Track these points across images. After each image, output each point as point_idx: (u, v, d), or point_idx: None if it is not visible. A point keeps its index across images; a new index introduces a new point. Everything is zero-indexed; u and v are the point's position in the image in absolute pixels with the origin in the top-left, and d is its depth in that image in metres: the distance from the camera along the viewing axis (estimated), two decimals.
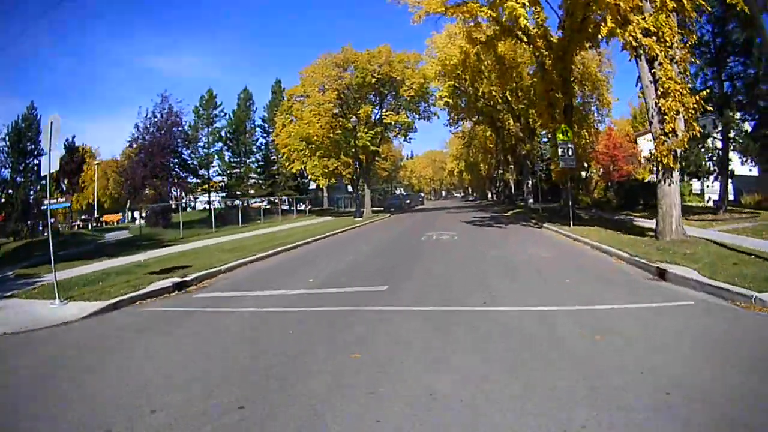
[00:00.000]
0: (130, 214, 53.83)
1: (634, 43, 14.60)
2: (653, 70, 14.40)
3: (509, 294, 8.86)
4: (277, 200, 53.40)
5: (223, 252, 17.58)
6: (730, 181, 25.94)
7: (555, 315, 7.21)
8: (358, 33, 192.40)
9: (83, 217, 61.15)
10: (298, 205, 54.89)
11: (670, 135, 14.05)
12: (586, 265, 11.84)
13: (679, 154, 14.50)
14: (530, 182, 44.49)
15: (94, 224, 57.82)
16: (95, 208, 61.80)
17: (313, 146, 41.40)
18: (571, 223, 20.96)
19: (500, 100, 42.61)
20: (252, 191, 58.71)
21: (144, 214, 40.47)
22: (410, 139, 48.93)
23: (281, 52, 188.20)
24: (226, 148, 59.68)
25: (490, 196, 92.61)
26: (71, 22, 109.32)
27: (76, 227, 52.32)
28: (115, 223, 55.16)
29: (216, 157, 58.15)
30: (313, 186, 72.24)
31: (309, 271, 12.99)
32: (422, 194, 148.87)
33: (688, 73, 15.00)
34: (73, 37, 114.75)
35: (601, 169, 51.01)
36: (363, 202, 46.40)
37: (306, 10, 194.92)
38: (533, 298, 8.30)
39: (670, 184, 14.22)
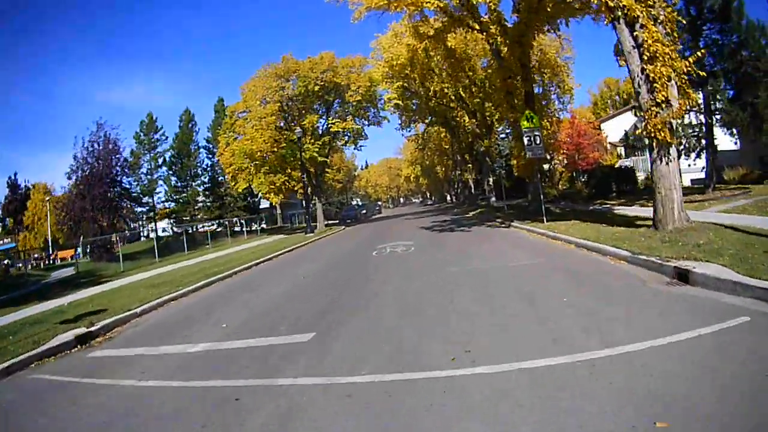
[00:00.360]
0: (82, 249, 50.15)
1: (611, 3, 12.16)
2: (635, 33, 11.98)
3: (488, 334, 6.03)
4: (227, 222, 50.18)
5: (150, 288, 15.13)
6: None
7: (568, 376, 4.42)
8: (301, 45, 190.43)
9: (35, 255, 59.54)
10: (251, 225, 51.62)
11: (663, 105, 11.57)
12: (581, 273, 9.13)
13: (675, 127, 12.02)
14: (491, 180, 42.24)
15: (47, 262, 56.59)
16: (50, 245, 58.65)
17: (258, 162, 38.32)
18: (545, 218, 18.53)
19: (453, 98, 40.35)
20: (201, 215, 55.09)
21: (87, 249, 37.65)
22: (361, 146, 46.35)
23: (224, 71, 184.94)
24: (171, 172, 55.90)
25: (449, 198, 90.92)
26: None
27: (29, 266, 50.35)
28: (69, 259, 52.79)
29: (160, 182, 54.69)
30: (266, 204, 69.61)
31: (229, 310, 10.32)
32: (380, 203, 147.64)
33: (675, 35, 12.53)
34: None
35: (565, 159, 49.17)
36: (315, 216, 43.50)
37: (247, 25, 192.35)
38: (525, 340, 5.55)
39: (667, 163, 11.72)
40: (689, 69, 11.91)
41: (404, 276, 11.38)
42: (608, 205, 23.74)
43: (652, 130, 11.57)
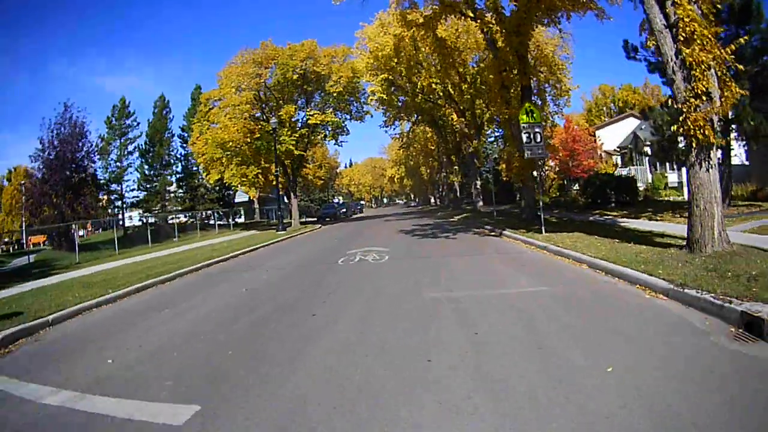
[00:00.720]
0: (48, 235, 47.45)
1: None
2: (666, 10, 9.67)
3: None
4: (201, 214, 47.46)
5: (86, 287, 12.87)
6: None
7: None
8: (285, 34, 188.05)
9: (5, 240, 58.99)
10: (226, 219, 48.90)
11: (703, 98, 9.22)
12: (612, 315, 6.53)
13: (716, 126, 9.66)
14: (479, 183, 39.82)
15: (16, 247, 56.04)
16: (23, 230, 55.17)
17: (230, 153, 35.66)
18: (543, 228, 16.16)
19: (441, 94, 38.02)
20: (172, 206, 51.92)
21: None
22: (341, 142, 43.69)
23: (205, 58, 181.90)
24: (143, 160, 52.63)
25: (433, 200, 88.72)
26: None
27: None
28: (42, 245, 50.75)
29: (131, 170, 51.08)
30: (244, 198, 66.79)
31: (127, 338, 7.62)
32: (363, 202, 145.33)
33: (712, 18, 10.18)
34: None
35: (557, 166, 47.06)
36: (291, 212, 40.91)
37: (229, 12, 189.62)
38: None
39: (708, 169, 9.29)
40: (729, 58, 9.64)
41: (365, 304, 8.50)
42: (610, 217, 21.41)
43: (692, 126, 9.19)
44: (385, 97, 37.71)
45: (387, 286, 10.12)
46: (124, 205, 48.42)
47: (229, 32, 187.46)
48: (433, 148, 64.94)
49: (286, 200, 41.35)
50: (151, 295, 11.97)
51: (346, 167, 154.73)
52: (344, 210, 65.48)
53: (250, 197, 64.08)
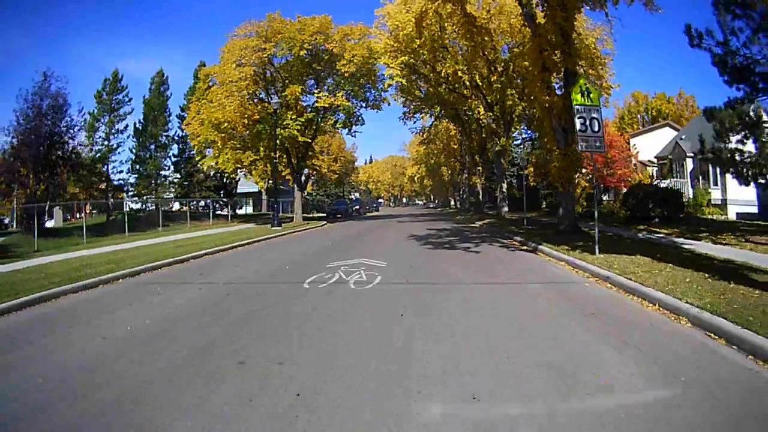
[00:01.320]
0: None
1: None
2: None
3: None
4: (196, 203, 43.58)
5: None
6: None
7: None
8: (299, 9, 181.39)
9: None
10: (227, 209, 44.91)
11: None
12: None
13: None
14: (504, 186, 35.36)
15: None
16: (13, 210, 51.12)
17: (225, 135, 31.65)
18: (596, 247, 11.89)
19: (468, 83, 33.53)
20: (163, 192, 47.53)
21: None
22: (355, 132, 39.19)
23: (212, 36, 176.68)
24: (135, 141, 48.33)
25: (453, 203, 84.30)
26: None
27: None
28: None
29: (119, 150, 46.15)
30: (254, 188, 62.76)
31: None
32: (381, 200, 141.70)
33: None
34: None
35: (589, 173, 42.48)
36: (295, 206, 36.91)
37: None
38: None
39: None
40: None
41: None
42: (661, 235, 17.14)
43: None
44: (404, 83, 33.31)
45: (342, 363, 5.17)
46: (109, 189, 43.79)
47: (239, 9, 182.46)
48: (455, 146, 60.49)
49: (298, 192, 37.18)
50: (39, 314, 8.49)
51: (366, 163, 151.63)
52: (357, 207, 61.17)
53: (259, 188, 60.14)
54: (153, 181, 45.96)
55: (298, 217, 35.62)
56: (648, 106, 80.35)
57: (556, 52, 19.00)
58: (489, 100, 34.08)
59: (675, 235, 16.62)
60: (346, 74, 32.38)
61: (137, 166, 46.26)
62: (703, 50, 17.78)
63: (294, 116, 31.90)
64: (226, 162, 32.13)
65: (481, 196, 46.85)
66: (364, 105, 37.84)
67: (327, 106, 32.22)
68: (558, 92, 19.96)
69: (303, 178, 74.45)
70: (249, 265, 13.58)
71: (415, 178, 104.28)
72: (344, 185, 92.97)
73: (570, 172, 18.99)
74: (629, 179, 39.48)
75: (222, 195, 46.67)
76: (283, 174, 38.76)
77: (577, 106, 12.91)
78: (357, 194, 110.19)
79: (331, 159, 73.04)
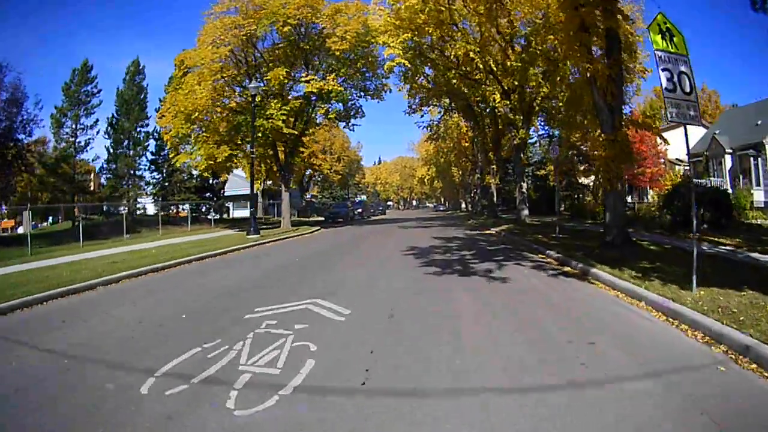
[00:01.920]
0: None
1: None
2: None
3: None
4: (175, 206, 38.90)
5: None
6: None
7: None
8: None
9: None
10: (214, 213, 40.26)
11: None
12: None
13: None
14: (524, 186, 30.37)
15: None
16: None
17: (196, 126, 27.06)
18: (694, 278, 7.19)
19: (481, 67, 28.61)
20: (141, 194, 42.61)
21: None
22: (353, 125, 34.07)
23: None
24: (106, 136, 42.76)
25: (464, 206, 79.33)
26: None
27: None
28: (9, 231, 40.96)
29: (87, 147, 41.17)
30: (241, 190, 58.33)
31: None
32: (390, 202, 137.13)
33: None
34: None
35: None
36: (289, 209, 32.19)
37: None
38: None
39: None
40: None
41: None
42: (729, 247, 12.76)
43: None
44: (407, 64, 28.34)
45: None
46: (74, 190, 38.69)
47: None
48: (466, 144, 55.55)
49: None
50: None
51: (375, 164, 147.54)
52: (360, 210, 56.10)
53: (255, 189, 55.46)
54: (125, 182, 40.74)
55: (285, 221, 30.87)
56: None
57: (596, 11, 14.46)
58: (506, 87, 29.23)
59: (744, 248, 12.28)
60: (338, 54, 27.48)
61: (110, 164, 41.33)
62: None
63: (278, 104, 27.15)
64: (195, 158, 27.46)
65: (495, 198, 41.78)
66: (363, 94, 33.17)
67: (316, 91, 27.24)
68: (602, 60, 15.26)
69: (305, 179, 71.94)
70: (139, 306, 8.69)
71: (425, 180, 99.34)
72: (349, 187, 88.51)
73: (619, 163, 14.42)
74: (659, 179, 35.42)
75: (209, 197, 41.77)
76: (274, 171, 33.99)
77: (659, 53, 8.16)
78: (364, 196, 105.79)
79: (334, 158, 68.46)
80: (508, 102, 28.92)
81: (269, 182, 55.55)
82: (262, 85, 25.57)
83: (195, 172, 39.12)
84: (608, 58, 14.59)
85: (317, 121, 34.31)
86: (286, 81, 27.23)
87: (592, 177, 36.96)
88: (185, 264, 14.52)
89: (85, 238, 26.74)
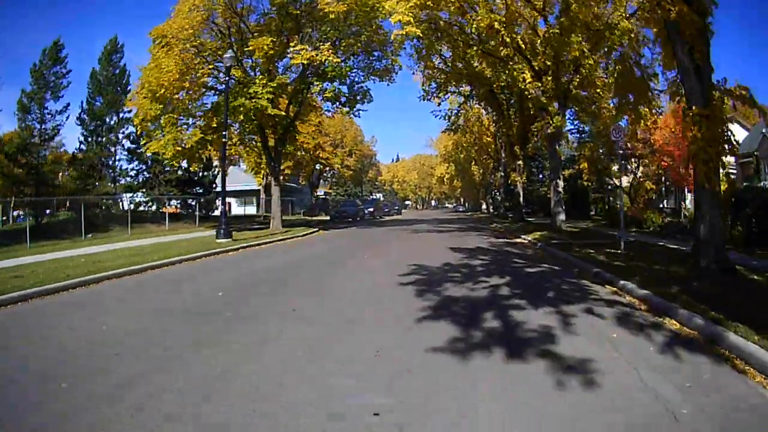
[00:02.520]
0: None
1: None
2: None
3: None
4: (151, 201, 34.32)
5: None
6: None
7: None
8: None
9: None
10: (202, 209, 35.70)
11: None
12: None
13: None
14: (560, 184, 25.10)
15: None
16: None
17: (162, 105, 22.52)
18: None
19: (508, 41, 23.59)
20: (103, 186, 36.76)
21: None
22: (358, 111, 29.00)
23: None
24: (78, 122, 37.75)
25: (484, 206, 74.19)
26: None
27: None
28: None
29: (56, 135, 35.92)
30: (243, 185, 54.00)
31: None
32: (408, 202, 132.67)
33: None
34: None
35: (657, 169, 32.36)
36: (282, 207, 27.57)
37: None
38: None
39: None
40: None
41: None
42: None
43: None
44: (419, 34, 23.41)
45: None
46: (37, 182, 33.56)
47: None
48: (489, 140, 50.67)
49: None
50: None
51: (393, 162, 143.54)
52: (372, 209, 51.19)
53: (257, 183, 51.02)
54: (95, 173, 35.66)
55: (275, 221, 26.19)
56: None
57: None
58: (537, 67, 24.34)
59: None
60: (333, 17, 22.59)
61: (83, 150, 36.36)
62: None
63: (264, 81, 22.50)
64: (164, 145, 22.86)
65: (521, 198, 36.52)
66: (371, 76, 28.42)
67: (306, 62, 22.34)
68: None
69: (315, 175, 67.03)
70: None
71: (444, 179, 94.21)
72: (363, 184, 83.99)
73: (715, 150, 9.80)
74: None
75: (199, 191, 37.01)
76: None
77: None
78: (379, 195, 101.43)
79: (345, 152, 63.87)
80: (540, 84, 24.02)
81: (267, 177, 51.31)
82: (232, 55, 20.66)
83: (184, 164, 34.82)
84: (688, 4, 9.95)
85: (314, 103, 29.51)
86: (272, 52, 22.40)
87: (624, 179, 32.29)
88: (85, 287, 9.93)
89: (41, 238, 23.10)
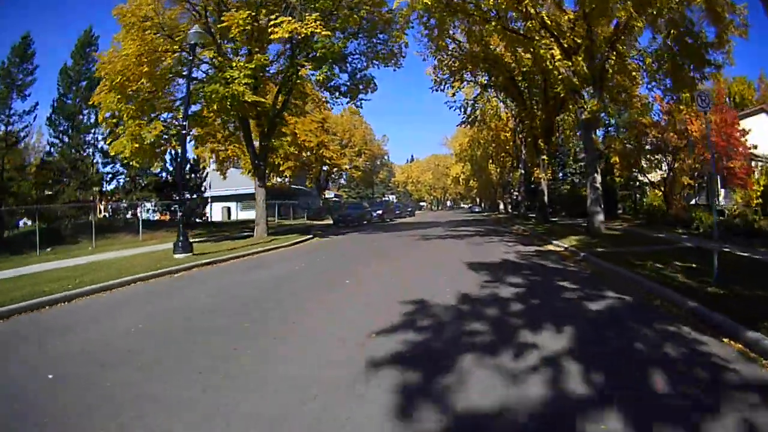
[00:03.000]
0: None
1: None
2: None
3: None
4: (132, 207, 30.67)
5: None
6: None
7: None
8: None
9: None
10: (185, 216, 32.15)
11: None
12: None
13: None
14: (598, 178, 20.85)
15: None
16: None
17: (120, 96, 18.86)
18: None
19: (533, 11, 19.72)
20: (86, 192, 33.04)
21: None
22: (360, 101, 25.19)
23: None
24: (47, 123, 33.72)
25: (502, 207, 70.15)
26: None
27: None
28: None
29: (23, 138, 32.69)
30: (243, 189, 50.17)
31: None
32: (423, 203, 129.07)
33: None
34: None
35: (695, 163, 28.03)
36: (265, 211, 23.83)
37: None
38: None
39: None
40: None
41: None
42: None
43: None
44: (428, 1, 19.73)
45: None
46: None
47: None
48: (508, 135, 46.77)
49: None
50: None
51: (407, 162, 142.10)
52: (380, 212, 47.23)
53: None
54: (64, 178, 31.58)
55: (260, 228, 22.47)
56: (729, 91, 65.78)
57: None
58: (565, 45, 20.50)
59: None
60: None
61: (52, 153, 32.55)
62: None
63: (242, 64, 18.79)
64: (122, 142, 19.22)
65: (546, 197, 32.41)
66: (371, 59, 24.63)
67: (288, 35, 18.34)
68: None
69: (323, 177, 63.22)
70: None
71: (460, 179, 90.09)
72: (375, 185, 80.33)
73: None
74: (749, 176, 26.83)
75: (183, 197, 33.24)
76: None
77: None
78: (392, 196, 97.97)
79: (354, 152, 60.24)
80: (570, 63, 20.11)
81: (279, 178, 47.78)
82: (198, 31, 16.77)
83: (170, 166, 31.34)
84: None
85: (307, 92, 25.67)
86: (249, 28, 18.68)
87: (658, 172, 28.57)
88: None
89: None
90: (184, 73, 19.17)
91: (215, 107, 19.13)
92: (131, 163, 22.50)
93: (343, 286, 10.06)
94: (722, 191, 29.76)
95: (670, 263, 10.31)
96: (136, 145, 18.68)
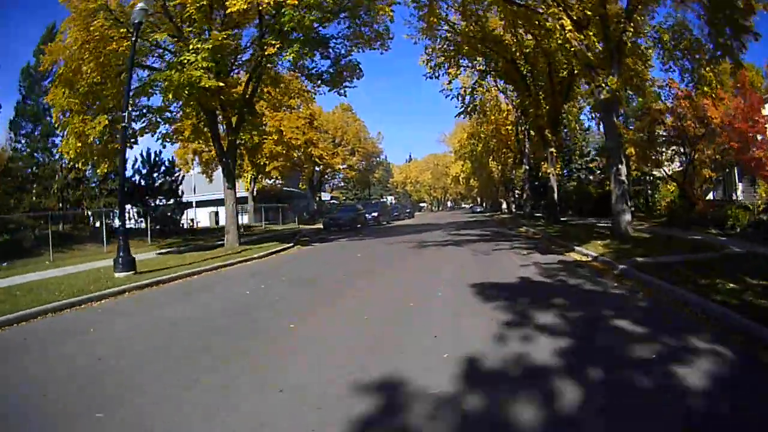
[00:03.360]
0: None
1: None
2: None
3: None
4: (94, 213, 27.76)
5: None
6: None
7: None
8: None
9: None
10: (154, 223, 29.33)
11: None
12: None
13: None
14: (623, 170, 17.39)
15: None
16: None
17: (66, 90, 16.36)
18: None
19: None
20: (46, 199, 29.68)
21: None
22: (345, 88, 22.39)
23: None
24: (8, 126, 30.38)
25: (505, 206, 67.34)
26: None
27: None
28: None
29: None
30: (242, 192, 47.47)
31: None
32: (423, 204, 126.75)
33: None
34: None
35: (716, 153, 25.01)
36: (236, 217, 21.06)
37: None
38: None
39: None
40: None
41: None
42: None
43: None
44: None
45: None
46: None
47: None
48: (509, 128, 43.85)
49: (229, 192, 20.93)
50: None
51: (406, 162, 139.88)
52: (375, 213, 44.46)
53: (245, 189, 44.54)
54: (26, 185, 28.38)
55: (230, 237, 19.57)
56: (736, 79, 63.23)
57: None
58: (575, 17, 17.64)
59: None
60: None
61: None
62: None
63: (199, 46, 15.93)
64: (68, 143, 16.60)
65: (556, 195, 29.38)
66: (355, 44, 21.85)
67: (246, 6, 15.50)
68: None
69: (316, 177, 60.52)
70: None
71: (460, 178, 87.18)
72: (371, 186, 77.63)
73: None
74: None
75: (161, 202, 30.53)
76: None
77: None
78: (390, 198, 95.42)
79: (347, 151, 57.63)
80: (581, 36, 17.24)
81: (268, 180, 45.17)
82: (143, 6, 13.86)
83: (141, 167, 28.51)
84: None
85: (277, 77, 22.70)
86: (205, 2, 15.83)
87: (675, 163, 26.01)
88: None
89: None
90: (137, 61, 16.43)
91: (170, 96, 16.38)
92: (77, 165, 19.74)
93: (278, 337, 6.76)
94: (740, 185, 27.17)
95: (742, 280, 7.53)
96: (79, 144, 15.89)
